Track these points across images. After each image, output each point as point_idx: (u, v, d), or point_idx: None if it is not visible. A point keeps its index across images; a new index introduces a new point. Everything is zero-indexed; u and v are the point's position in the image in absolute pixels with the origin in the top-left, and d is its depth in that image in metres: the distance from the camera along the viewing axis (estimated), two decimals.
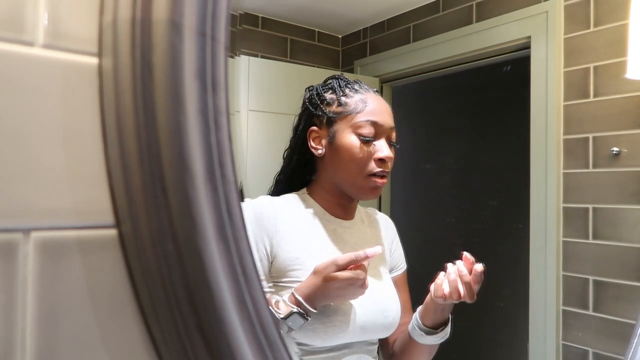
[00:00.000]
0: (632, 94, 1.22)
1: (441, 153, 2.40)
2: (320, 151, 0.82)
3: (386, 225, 0.94)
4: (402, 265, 0.93)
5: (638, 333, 0.67)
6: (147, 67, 0.33)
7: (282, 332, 0.66)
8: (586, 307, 1.31)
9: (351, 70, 2.07)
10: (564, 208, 1.37)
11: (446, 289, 0.75)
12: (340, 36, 2.12)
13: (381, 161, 0.79)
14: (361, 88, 0.84)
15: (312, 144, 0.83)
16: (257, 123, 1.64)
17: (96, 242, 0.35)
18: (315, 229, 0.81)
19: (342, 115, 0.81)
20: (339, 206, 0.85)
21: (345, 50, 2.12)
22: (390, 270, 0.90)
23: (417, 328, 0.82)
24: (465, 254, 0.78)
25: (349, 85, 0.84)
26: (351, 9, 1.91)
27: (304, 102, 0.87)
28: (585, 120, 1.32)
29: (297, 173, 0.87)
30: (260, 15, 1.84)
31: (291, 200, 0.84)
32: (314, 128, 0.84)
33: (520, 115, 1.53)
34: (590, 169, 1.31)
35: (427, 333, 0.81)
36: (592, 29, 1.30)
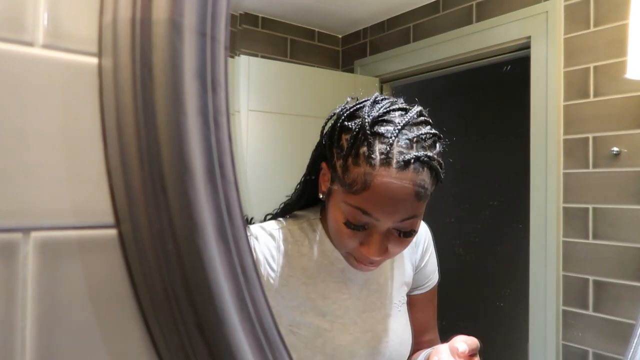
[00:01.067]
0: (632, 94, 1.22)
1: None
2: (321, 196, 0.68)
3: (416, 241, 0.79)
4: (430, 283, 0.82)
5: (638, 333, 0.67)
6: (147, 67, 0.33)
7: None
8: (586, 307, 1.31)
9: (351, 70, 2.07)
10: (564, 208, 1.37)
11: None
12: (340, 36, 2.11)
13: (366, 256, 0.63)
14: (382, 154, 0.57)
15: (320, 179, 0.68)
16: (257, 123, 1.64)
17: (96, 242, 0.35)
18: (322, 271, 0.71)
19: (339, 181, 0.62)
20: None
21: (345, 50, 2.12)
22: (416, 288, 0.81)
23: None
24: (458, 345, 0.61)
25: (368, 143, 0.59)
26: (351, 9, 1.91)
27: (326, 120, 0.68)
28: (585, 120, 1.32)
29: (311, 197, 0.74)
30: (260, 15, 1.83)
31: (301, 229, 0.73)
32: (324, 165, 0.66)
33: (520, 115, 1.53)
34: (590, 169, 1.31)
35: None
36: (592, 29, 1.30)
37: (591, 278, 1.31)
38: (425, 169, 0.59)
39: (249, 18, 1.82)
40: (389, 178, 0.57)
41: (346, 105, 0.65)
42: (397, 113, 0.62)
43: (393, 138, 0.58)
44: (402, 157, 0.57)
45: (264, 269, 0.69)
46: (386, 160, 0.57)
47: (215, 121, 0.35)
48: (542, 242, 1.41)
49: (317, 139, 0.71)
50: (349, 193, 0.60)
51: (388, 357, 0.74)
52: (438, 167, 0.61)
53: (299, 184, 0.75)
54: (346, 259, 0.68)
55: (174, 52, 0.33)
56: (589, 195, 1.31)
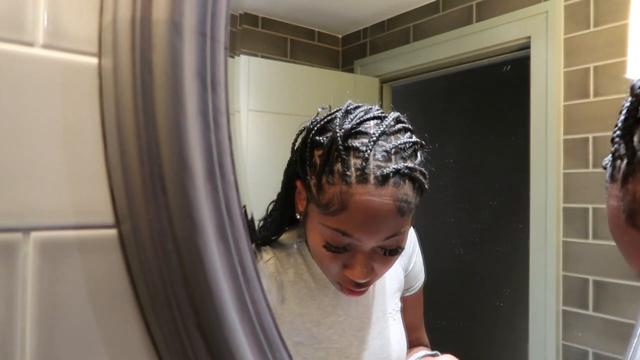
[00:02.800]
0: None
1: (441, 153, 2.40)
2: (298, 216, 0.63)
3: (412, 246, 0.79)
4: (419, 284, 0.80)
5: (638, 333, 0.67)
6: (147, 67, 0.33)
7: None
8: (586, 307, 1.31)
9: (351, 70, 2.07)
10: (564, 208, 1.37)
11: None
12: (340, 36, 2.11)
13: (351, 280, 0.59)
14: (357, 170, 0.52)
15: (296, 198, 0.63)
16: (257, 123, 1.64)
17: (96, 242, 0.35)
18: (316, 296, 0.68)
19: (314, 202, 0.56)
20: None
21: (345, 50, 2.12)
22: (405, 290, 0.80)
23: None
24: None
25: (341, 159, 0.53)
26: (351, 9, 1.91)
27: (296, 136, 0.63)
28: (585, 120, 1.32)
29: (291, 219, 0.68)
30: (260, 15, 1.83)
31: (289, 255, 0.68)
32: (299, 184, 0.61)
33: (520, 115, 1.53)
34: (590, 169, 1.31)
35: None
36: (592, 29, 1.30)
37: (591, 278, 1.31)
38: (407, 181, 0.54)
39: (249, 18, 1.82)
40: (368, 196, 0.52)
41: (317, 118, 0.60)
42: (372, 122, 0.57)
43: (368, 151, 0.53)
44: (380, 171, 0.52)
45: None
46: (363, 176, 0.52)
47: (215, 121, 0.35)
48: (542, 242, 1.41)
49: None
50: (326, 214, 0.54)
51: None
52: (421, 177, 0.56)
53: (274, 209, 0.69)
54: (333, 284, 0.65)
55: (174, 52, 0.33)
56: (589, 195, 1.31)
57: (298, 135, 0.62)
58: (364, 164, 0.52)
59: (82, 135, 0.35)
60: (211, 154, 0.35)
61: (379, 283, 0.75)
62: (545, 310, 1.40)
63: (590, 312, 1.30)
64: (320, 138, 0.57)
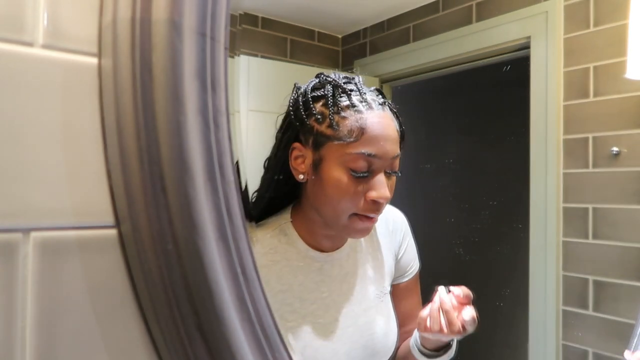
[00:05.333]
0: (632, 94, 1.22)
1: (441, 153, 2.40)
2: (301, 176, 0.68)
3: (392, 230, 0.82)
4: (412, 270, 0.83)
5: (638, 333, 0.67)
6: (147, 67, 0.33)
7: None
8: (586, 307, 1.31)
9: (351, 70, 2.07)
10: (564, 208, 1.37)
11: (428, 322, 0.68)
12: (340, 36, 2.11)
13: (374, 202, 0.65)
14: (362, 102, 0.65)
15: (293, 164, 0.68)
16: (257, 123, 1.64)
17: (96, 242, 0.35)
18: (298, 274, 0.71)
19: (332, 141, 0.64)
20: (325, 238, 0.73)
21: (345, 50, 2.12)
22: (399, 277, 0.82)
23: (417, 349, 0.75)
24: (452, 288, 0.69)
25: (346, 97, 0.65)
26: (351, 9, 1.90)
27: (288, 106, 0.70)
28: (585, 120, 1.32)
29: (281, 193, 0.73)
30: (260, 15, 1.83)
31: (272, 236, 0.72)
32: (298, 145, 0.68)
33: (520, 115, 1.53)
34: (590, 169, 1.31)
35: (429, 356, 0.74)
36: (592, 29, 1.30)
37: (591, 278, 1.31)
38: (393, 111, 0.69)
39: (249, 18, 1.82)
40: (377, 118, 0.65)
41: (301, 87, 0.70)
42: (350, 77, 0.70)
43: (361, 90, 0.67)
44: (376, 101, 0.66)
45: None
46: (367, 105, 0.65)
47: (215, 121, 0.35)
48: (542, 242, 1.41)
49: None
50: (349, 142, 0.63)
51: (372, 349, 0.74)
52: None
53: (264, 191, 0.73)
54: (345, 229, 0.68)
55: (174, 52, 0.33)
56: (589, 195, 1.31)
57: (290, 99, 0.70)
58: (364, 97, 0.66)
59: (82, 135, 0.35)
60: (211, 154, 0.35)
61: (365, 265, 0.77)
62: (545, 310, 1.40)
63: (590, 312, 1.30)
64: (317, 93, 0.67)
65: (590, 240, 1.31)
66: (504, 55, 1.62)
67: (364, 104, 0.65)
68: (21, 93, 0.33)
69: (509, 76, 1.83)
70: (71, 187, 0.34)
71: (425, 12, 1.83)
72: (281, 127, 0.71)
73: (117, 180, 0.35)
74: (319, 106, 0.66)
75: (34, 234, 0.33)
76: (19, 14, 0.33)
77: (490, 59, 1.66)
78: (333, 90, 0.66)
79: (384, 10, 1.93)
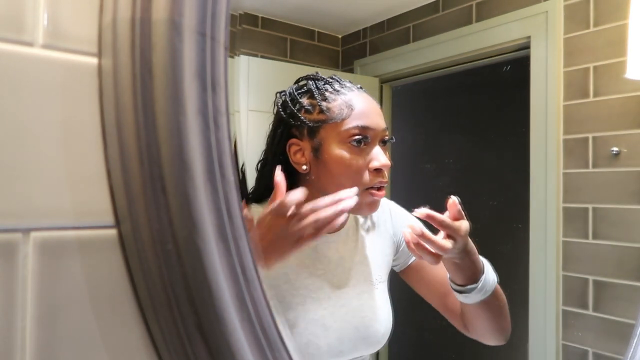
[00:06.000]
0: (632, 94, 1.22)
1: (441, 153, 2.40)
2: (305, 167, 0.72)
3: (390, 215, 0.84)
4: None
5: (638, 333, 0.67)
6: (147, 67, 0.33)
7: None
8: (586, 307, 1.31)
9: (351, 70, 2.07)
10: (564, 208, 1.37)
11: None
12: (340, 36, 2.11)
13: (377, 171, 0.70)
14: (343, 87, 0.73)
15: (294, 159, 0.72)
16: (257, 123, 1.64)
17: (96, 242, 0.35)
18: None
19: (327, 124, 0.70)
20: None
21: (345, 50, 2.12)
22: (409, 256, 0.83)
23: (453, 289, 0.74)
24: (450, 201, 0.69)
25: (328, 86, 0.73)
26: (351, 9, 1.90)
27: (277, 110, 0.76)
28: (585, 120, 1.32)
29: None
30: (260, 15, 1.83)
31: None
32: (294, 140, 0.73)
33: (520, 115, 1.53)
34: (590, 169, 1.31)
35: (461, 292, 0.72)
36: (592, 29, 1.30)
37: (591, 278, 1.31)
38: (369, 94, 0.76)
39: (249, 18, 1.82)
40: (360, 97, 0.72)
41: (287, 90, 0.77)
42: (324, 75, 0.77)
43: (339, 81, 0.74)
44: (356, 86, 0.74)
45: None
46: (348, 88, 0.73)
47: (215, 121, 0.35)
48: (542, 242, 1.41)
49: None
50: (342, 120, 0.69)
51: (363, 332, 0.74)
52: None
53: (258, 171, 0.78)
54: (359, 208, 0.70)
55: (174, 52, 0.33)
56: (589, 195, 1.31)
57: (276, 104, 0.77)
58: (342, 83, 0.74)
59: (82, 135, 0.35)
60: (211, 154, 0.35)
61: (362, 252, 0.79)
62: (545, 310, 1.40)
63: (590, 312, 1.30)
64: (302, 89, 0.74)
65: (590, 240, 1.31)
66: (504, 55, 1.62)
67: (345, 88, 0.73)
68: (21, 93, 0.33)
69: (509, 76, 1.83)
70: (71, 187, 0.34)
71: (425, 12, 1.83)
72: (273, 129, 0.77)
73: (117, 180, 0.35)
74: (306, 99, 0.73)
75: (34, 234, 0.33)
76: (19, 14, 0.33)
77: (490, 59, 1.66)
78: (315, 83, 0.74)
79: (384, 10, 1.93)
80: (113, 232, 0.36)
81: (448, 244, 0.65)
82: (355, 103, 0.71)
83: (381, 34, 1.99)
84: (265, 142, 0.79)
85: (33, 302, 0.33)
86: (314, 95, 0.72)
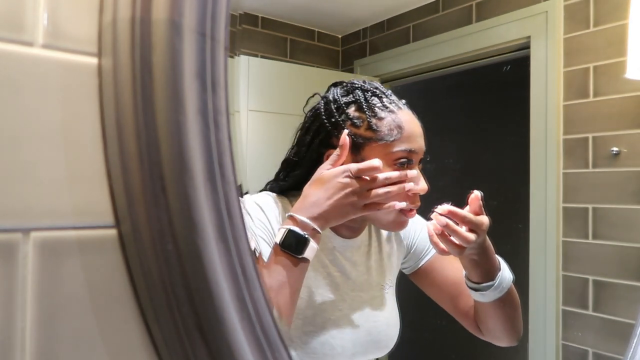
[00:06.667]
0: (632, 94, 1.22)
1: (441, 153, 2.40)
2: None
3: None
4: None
5: (638, 333, 0.67)
6: (147, 67, 0.33)
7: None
8: (586, 307, 1.31)
9: (351, 70, 2.07)
10: (564, 208, 1.37)
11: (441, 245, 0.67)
12: (340, 36, 2.11)
13: (416, 195, 0.69)
14: (391, 103, 0.69)
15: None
16: (257, 123, 1.64)
17: (96, 242, 0.35)
18: None
19: (373, 142, 0.67)
20: (344, 226, 0.74)
21: (345, 50, 2.12)
22: (422, 257, 0.83)
23: (469, 287, 0.73)
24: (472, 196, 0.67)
25: (377, 99, 0.69)
26: (351, 9, 1.90)
27: (316, 114, 0.72)
28: (585, 120, 1.32)
29: (300, 186, 0.73)
30: (260, 15, 1.83)
31: (292, 206, 0.72)
32: (332, 151, 0.68)
33: (520, 115, 1.53)
34: (590, 169, 1.31)
35: (477, 289, 0.71)
36: (591, 28, 1.30)
37: (591, 278, 1.31)
38: (412, 110, 0.73)
39: (249, 18, 1.82)
40: (408, 116, 0.70)
41: (329, 95, 0.73)
42: (369, 83, 0.74)
43: (386, 92, 0.72)
44: (402, 102, 0.72)
45: (267, 224, 0.69)
46: (397, 106, 0.70)
47: (215, 121, 0.35)
48: (542, 242, 1.41)
49: None
50: (391, 142, 0.67)
51: (375, 336, 0.75)
52: None
53: (294, 168, 0.75)
54: (389, 224, 0.70)
55: (174, 52, 0.33)
56: (588, 195, 1.31)
57: (318, 108, 0.72)
58: (390, 98, 0.71)
59: (82, 135, 0.35)
60: (211, 154, 0.35)
61: (374, 256, 0.79)
62: (545, 310, 1.40)
63: (590, 312, 1.30)
64: (347, 98, 0.71)
65: (590, 240, 1.31)
66: (504, 55, 1.62)
67: (393, 104, 0.70)
68: (21, 93, 0.33)
69: (509, 76, 1.83)
70: (71, 187, 0.34)
71: (425, 12, 1.83)
72: (311, 134, 0.72)
73: (117, 180, 0.35)
74: (352, 111, 0.70)
75: (34, 234, 0.33)
76: (19, 14, 0.33)
77: (490, 59, 1.66)
78: (364, 94, 0.70)
79: (384, 10, 1.93)
80: (113, 232, 0.36)
81: (472, 236, 0.64)
82: (405, 123, 0.68)
83: (381, 34, 1.99)
84: (295, 139, 0.76)
85: (33, 302, 0.33)
86: (362, 108, 0.69)
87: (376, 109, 0.69)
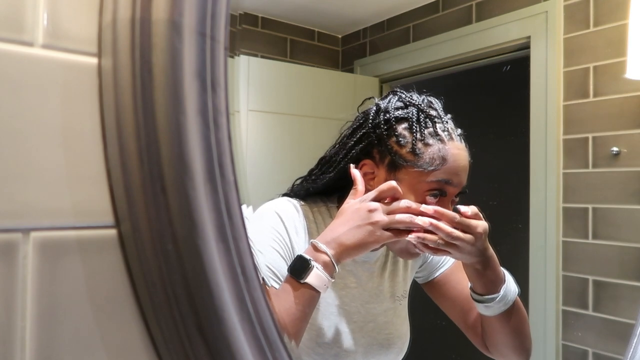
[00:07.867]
0: (632, 94, 1.22)
1: None
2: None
3: None
4: (446, 259, 0.81)
5: (638, 333, 0.67)
6: (147, 67, 0.33)
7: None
8: (586, 307, 1.31)
9: (351, 70, 2.07)
10: (564, 208, 1.37)
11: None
12: (340, 36, 2.11)
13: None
14: (444, 131, 0.66)
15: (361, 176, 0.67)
16: (257, 123, 1.64)
17: (96, 242, 0.35)
18: None
19: (411, 166, 0.64)
20: None
21: (345, 50, 2.12)
22: (435, 270, 0.81)
23: (473, 299, 0.71)
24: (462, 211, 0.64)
25: (430, 123, 0.66)
26: (351, 9, 1.90)
27: (365, 119, 0.69)
28: (585, 120, 1.32)
29: (329, 188, 0.73)
30: (260, 15, 1.83)
31: (318, 214, 0.72)
32: (369, 162, 0.68)
33: (520, 115, 1.53)
34: (590, 169, 1.31)
35: (482, 301, 0.69)
36: (591, 29, 1.30)
37: (591, 278, 1.31)
38: (465, 142, 0.70)
39: (249, 18, 1.81)
40: (457, 149, 0.66)
41: (383, 104, 0.69)
42: (430, 99, 0.71)
43: (443, 118, 0.68)
44: (456, 132, 0.68)
45: (286, 237, 0.68)
46: (449, 135, 0.66)
47: (215, 121, 0.35)
48: (542, 242, 1.41)
49: (317, 138, 0.70)
50: (430, 171, 0.64)
51: (387, 348, 0.76)
52: None
53: (328, 168, 0.72)
54: (401, 248, 0.68)
55: (174, 52, 0.33)
56: (588, 195, 1.31)
57: (367, 113, 0.69)
58: (445, 125, 0.67)
59: (82, 135, 0.35)
60: (211, 154, 0.35)
61: (389, 267, 0.78)
62: (545, 310, 1.40)
63: (590, 312, 1.30)
64: (400, 114, 0.67)
65: (590, 240, 1.31)
66: (504, 55, 1.62)
67: (445, 133, 0.66)
68: (21, 93, 0.33)
69: (509, 76, 1.83)
70: (71, 187, 0.34)
71: (425, 12, 1.82)
72: (351, 135, 0.70)
73: (117, 180, 0.35)
74: (401, 128, 0.67)
75: (34, 234, 0.33)
76: (19, 14, 0.33)
77: (490, 59, 1.66)
78: (417, 115, 0.67)
79: (384, 10, 1.93)
80: (113, 232, 0.36)
81: (458, 232, 0.61)
82: (451, 156, 0.65)
83: (381, 34, 1.99)
84: (339, 139, 0.73)
85: (33, 302, 0.33)
86: (412, 128, 0.66)
87: (426, 132, 0.65)
